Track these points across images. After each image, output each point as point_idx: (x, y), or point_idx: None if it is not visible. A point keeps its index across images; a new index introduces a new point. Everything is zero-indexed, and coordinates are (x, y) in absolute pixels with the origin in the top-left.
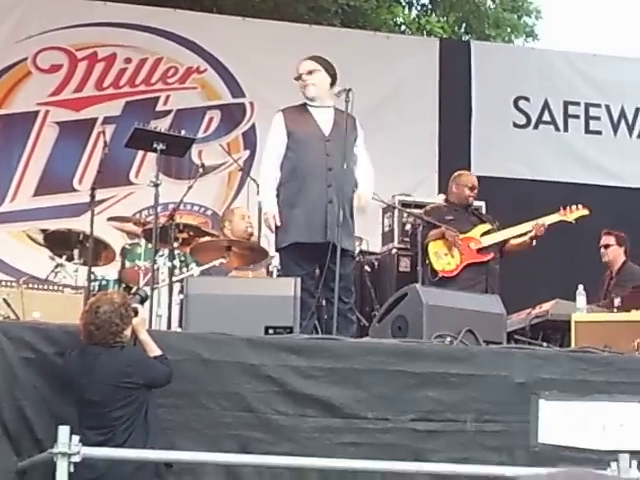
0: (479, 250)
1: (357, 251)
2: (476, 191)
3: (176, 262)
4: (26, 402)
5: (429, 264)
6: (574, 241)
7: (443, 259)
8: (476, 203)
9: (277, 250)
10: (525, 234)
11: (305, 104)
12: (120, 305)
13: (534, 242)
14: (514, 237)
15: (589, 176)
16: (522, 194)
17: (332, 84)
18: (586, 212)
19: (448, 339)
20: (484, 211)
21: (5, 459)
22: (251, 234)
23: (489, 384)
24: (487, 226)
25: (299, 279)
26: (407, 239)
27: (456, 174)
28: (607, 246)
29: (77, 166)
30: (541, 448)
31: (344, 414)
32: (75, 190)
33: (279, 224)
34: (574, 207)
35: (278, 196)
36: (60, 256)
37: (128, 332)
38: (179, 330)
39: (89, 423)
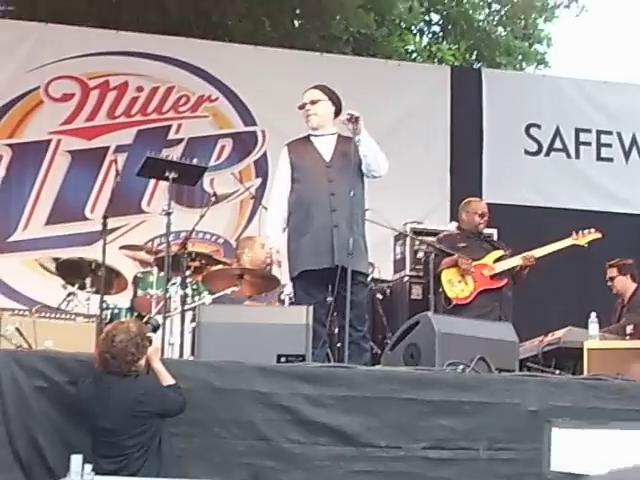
0: (492, 277)
1: (369, 278)
2: (486, 218)
3: (188, 290)
4: (38, 431)
5: (443, 292)
6: (586, 268)
7: (457, 286)
8: (488, 230)
9: (291, 280)
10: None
11: (309, 135)
12: (136, 334)
13: (526, 272)
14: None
15: (601, 203)
16: (534, 221)
17: (337, 113)
18: (599, 235)
19: (460, 367)
20: (496, 238)
21: None
22: (269, 264)
23: (501, 412)
24: (500, 252)
25: (311, 307)
26: (419, 267)
27: (465, 201)
28: (612, 279)
29: (89, 195)
30: (553, 476)
31: (356, 442)
32: (87, 219)
33: (282, 258)
34: (586, 231)
35: (288, 227)
36: (72, 285)
37: (143, 361)
38: (191, 358)
39: (102, 451)
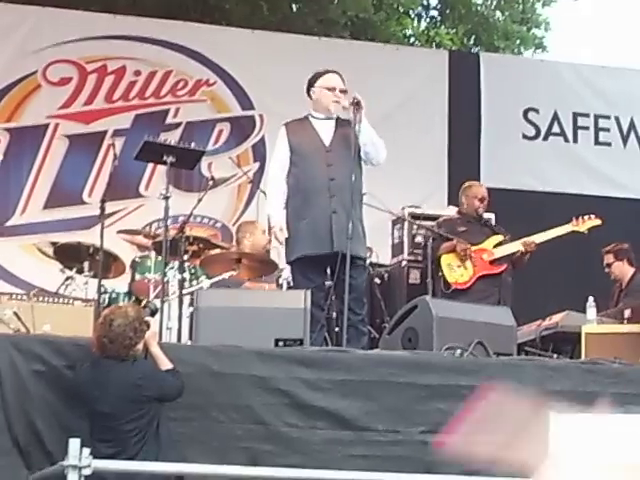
0: (492, 262)
1: (368, 262)
2: (486, 202)
3: (186, 274)
4: (37, 415)
5: (442, 276)
6: (584, 253)
7: (456, 271)
8: (486, 215)
9: (288, 263)
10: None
11: (307, 116)
12: (134, 319)
13: (526, 257)
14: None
15: (599, 188)
16: (532, 206)
17: None
18: (598, 222)
19: (458, 351)
20: (494, 223)
21: (16, 472)
22: (269, 250)
23: None
24: (499, 237)
25: (309, 292)
26: (417, 251)
27: (465, 185)
28: (609, 265)
29: (87, 179)
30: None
31: (354, 426)
32: (85, 203)
33: (286, 236)
34: (586, 217)
35: (287, 210)
36: (70, 269)
37: (141, 346)
38: (189, 343)
39: (100, 436)
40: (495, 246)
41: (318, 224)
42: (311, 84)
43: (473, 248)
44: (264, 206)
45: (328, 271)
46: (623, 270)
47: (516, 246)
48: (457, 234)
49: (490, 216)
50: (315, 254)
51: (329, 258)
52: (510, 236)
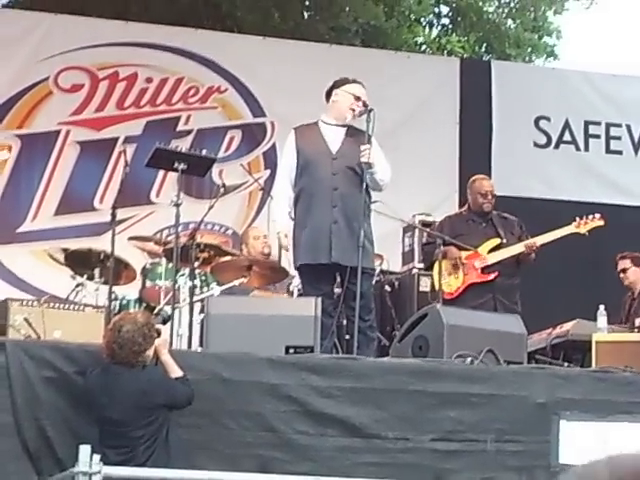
0: (483, 269)
1: (377, 270)
2: (490, 197)
3: (197, 281)
4: (47, 421)
5: (432, 284)
6: (595, 261)
7: (445, 279)
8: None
9: (295, 269)
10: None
11: (317, 122)
12: (143, 325)
13: (532, 257)
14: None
15: (610, 196)
16: (543, 214)
17: None
18: (601, 223)
19: (469, 359)
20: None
21: (25, 478)
22: (268, 254)
23: (510, 404)
24: (496, 241)
25: (319, 299)
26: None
27: (471, 180)
28: (625, 270)
29: (98, 185)
30: (561, 468)
31: (364, 434)
32: (96, 209)
33: (290, 243)
34: (590, 217)
35: (294, 215)
36: (81, 275)
37: (150, 352)
38: (200, 350)
39: (110, 442)
40: (491, 250)
41: (318, 234)
42: (336, 86)
43: (466, 254)
44: (272, 207)
45: (338, 279)
46: (638, 278)
47: (518, 248)
48: (457, 236)
49: (508, 216)
50: (314, 264)
51: (330, 268)
52: (524, 230)
